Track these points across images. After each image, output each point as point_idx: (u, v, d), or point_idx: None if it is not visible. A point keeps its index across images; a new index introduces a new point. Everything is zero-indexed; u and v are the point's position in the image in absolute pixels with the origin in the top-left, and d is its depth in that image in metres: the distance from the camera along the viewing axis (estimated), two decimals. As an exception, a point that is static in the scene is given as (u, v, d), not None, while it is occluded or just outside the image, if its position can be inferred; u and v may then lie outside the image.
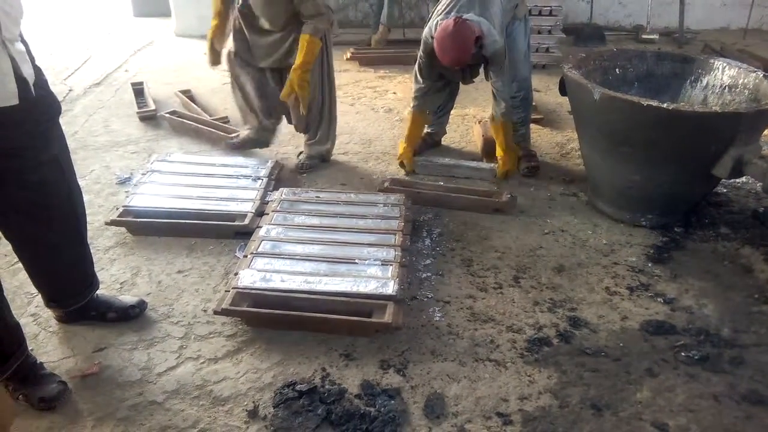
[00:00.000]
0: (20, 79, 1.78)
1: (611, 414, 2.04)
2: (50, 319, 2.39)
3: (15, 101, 1.77)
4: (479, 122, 4.25)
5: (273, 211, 2.96)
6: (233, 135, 3.90)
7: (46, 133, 2.00)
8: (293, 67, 3.26)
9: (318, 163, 3.73)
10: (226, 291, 2.41)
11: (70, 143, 2.17)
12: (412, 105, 3.62)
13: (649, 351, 2.32)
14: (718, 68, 3.24)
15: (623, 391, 2.14)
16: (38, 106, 1.93)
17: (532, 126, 4.33)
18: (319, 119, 3.62)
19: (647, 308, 2.55)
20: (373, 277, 2.49)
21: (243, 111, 3.76)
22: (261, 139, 3.82)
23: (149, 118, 4.34)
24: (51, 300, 2.31)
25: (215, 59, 3.57)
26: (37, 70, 1.91)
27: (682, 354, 2.30)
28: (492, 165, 3.64)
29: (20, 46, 1.82)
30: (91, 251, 2.75)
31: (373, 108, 4.72)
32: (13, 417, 1.69)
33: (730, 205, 3.34)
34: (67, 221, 2.16)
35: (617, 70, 3.42)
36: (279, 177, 3.47)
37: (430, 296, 2.60)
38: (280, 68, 3.46)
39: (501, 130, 3.50)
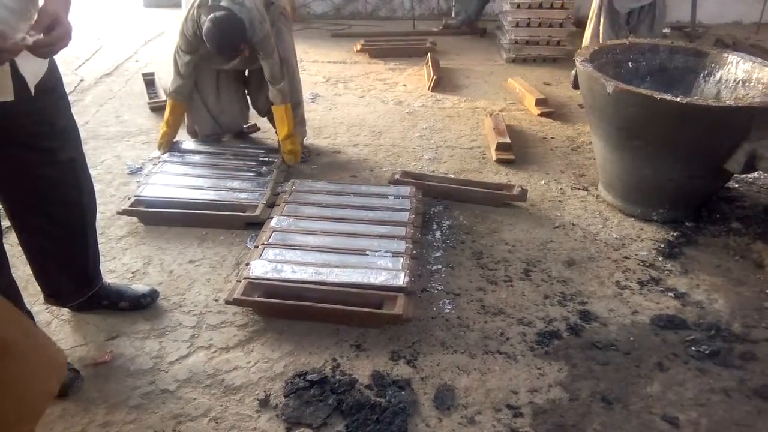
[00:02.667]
0: (18, 77, 1.74)
1: (621, 407, 2.04)
2: (62, 308, 2.41)
3: (10, 97, 1.74)
4: (490, 115, 4.25)
5: (284, 202, 2.97)
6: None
7: (66, 132, 2.01)
8: (283, 137, 3.43)
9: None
10: (237, 281, 2.42)
11: (81, 134, 2.17)
12: None
13: (660, 345, 2.32)
14: (732, 62, 3.22)
15: (633, 384, 2.14)
16: (58, 103, 1.94)
17: (543, 119, 4.34)
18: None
19: (658, 302, 2.55)
20: (384, 268, 2.49)
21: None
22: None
23: (160, 109, 4.32)
24: (49, 295, 2.32)
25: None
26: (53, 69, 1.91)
27: (693, 348, 2.30)
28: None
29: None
30: (104, 240, 2.80)
31: (383, 100, 4.71)
32: (60, 378, 1.52)
33: (741, 201, 3.32)
34: (72, 221, 2.16)
35: (630, 63, 3.40)
36: (289, 169, 3.48)
37: (440, 288, 2.60)
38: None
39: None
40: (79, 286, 2.32)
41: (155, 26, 6.60)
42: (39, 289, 2.32)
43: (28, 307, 2.11)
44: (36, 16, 1.70)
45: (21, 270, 2.42)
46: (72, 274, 2.28)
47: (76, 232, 2.20)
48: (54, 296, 2.32)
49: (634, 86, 2.91)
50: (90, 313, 2.39)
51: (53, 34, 1.62)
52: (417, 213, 2.92)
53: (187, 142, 3.66)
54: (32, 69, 1.80)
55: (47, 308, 2.41)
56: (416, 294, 2.49)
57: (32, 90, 1.80)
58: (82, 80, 4.93)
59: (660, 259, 2.83)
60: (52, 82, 1.93)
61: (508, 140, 3.80)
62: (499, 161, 3.70)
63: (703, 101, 2.99)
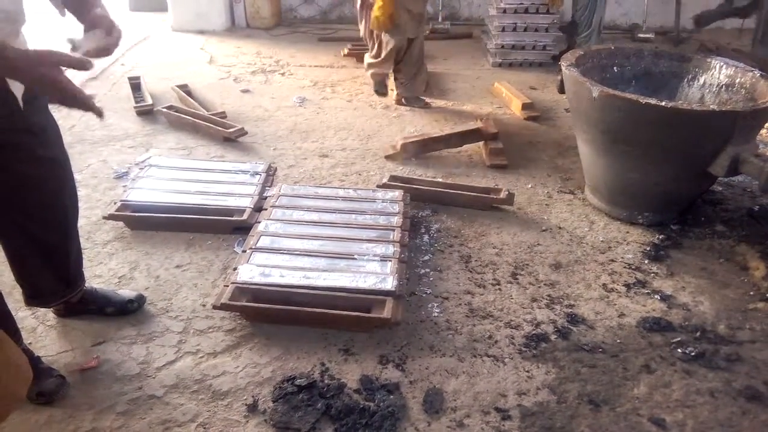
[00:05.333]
0: (5, 91, 1.74)
1: (609, 409, 2.06)
2: (48, 313, 2.39)
3: None
4: (480, 119, 4.26)
5: (271, 207, 2.96)
6: (236, 129, 3.95)
7: (45, 130, 1.99)
8: None
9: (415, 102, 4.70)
10: (225, 286, 2.41)
11: (67, 138, 2.16)
12: None
13: (646, 347, 2.34)
14: (715, 67, 3.26)
15: (620, 386, 2.16)
16: (33, 102, 1.93)
17: (529, 123, 4.38)
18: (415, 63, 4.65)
19: (644, 305, 2.57)
20: (372, 272, 2.49)
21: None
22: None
23: (146, 113, 4.33)
24: (30, 296, 2.27)
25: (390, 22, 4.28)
26: None
27: (679, 350, 2.32)
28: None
29: None
30: (90, 245, 2.78)
31: (371, 104, 4.72)
32: (26, 382, 1.58)
33: (725, 203, 3.36)
34: (54, 220, 2.14)
35: (615, 68, 3.43)
36: (275, 176, 3.47)
37: (428, 292, 2.61)
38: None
39: None
40: (59, 286, 2.28)
41: (141, 30, 6.56)
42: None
43: (14, 313, 2.08)
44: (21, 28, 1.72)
45: (6, 276, 2.39)
46: (53, 274, 2.24)
47: (58, 232, 2.17)
48: (35, 297, 2.28)
49: (619, 91, 2.93)
50: (76, 319, 2.37)
51: (113, 35, 1.77)
52: (405, 217, 2.92)
53: (172, 148, 3.64)
54: (19, 85, 1.79)
55: (33, 314, 2.39)
56: (404, 298, 2.49)
57: (21, 104, 1.80)
58: (67, 84, 4.88)
59: (646, 261, 2.86)
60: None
61: (500, 145, 3.82)
62: (492, 166, 3.71)
63: (687, 106, 3.02)
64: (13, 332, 2.04)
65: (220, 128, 3.99)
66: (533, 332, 2.39)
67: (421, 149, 3.83)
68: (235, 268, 2.50)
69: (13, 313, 2.09)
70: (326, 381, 2.12)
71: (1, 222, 2.07)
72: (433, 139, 3.87)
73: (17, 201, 2.01)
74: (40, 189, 2.03)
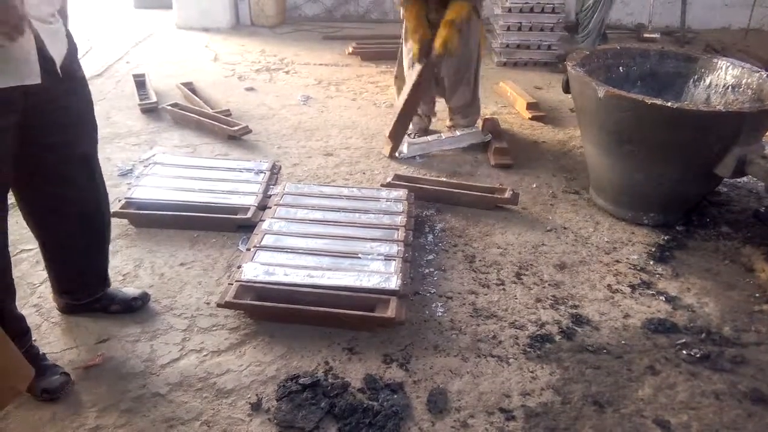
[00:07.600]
0: (45, 58, 1.75)
1: (613, 411, 2.05)
2: (53, 310, 2.39)
3: (37, 80, 1.74)
4: (486, 119, 4.25)
5: (276, 205, 2.96)
6: (240, 127, 3.96)
7: (81, 126, 2.04)
8: (445, 21, 3.51)
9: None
10: (229, 284, 2.41)
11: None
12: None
13: (651, 348, 2.33)
14: (722, 68, 3.25)
15: (625, 388, 2.15)
16: (75, 95, 1.97)
17: (534, 123, 4.37)
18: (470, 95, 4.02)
19: (649, 306, 2.56)
20: (376, 271, 2.49)
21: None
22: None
23: (151, 111, 4.33)
24: (64, 292, 2.31)
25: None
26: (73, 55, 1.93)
27: (684, 352, 2.31)
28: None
29: (53, 27, 1.80)
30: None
31: (375, 103, 4.72)
32: (27, 379, 1.62)
33: (731, 205, 3.35)
34: (90, 218, 2.18)
35: (621, 68, 3.42)
36: (279, 174, 3.46)
37: (432, 291, 2.60)
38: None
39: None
40: (95, 283, 2.34)
41: (146, 28, 6.56)
42: (29, 291, 2.31)
43: (20, 309, 2.09)
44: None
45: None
46: (90, 270, 2.31)
47: (95, 231, 2.23)
48: (68, 292, 2.32)
49: (624, 91, 2.92)
50: (80, 316, 2.37)
51: None
52: (409, 216, 2.92)
53: (177, 145, 3.64)
54: (58, 52, 1.81)
55: (37, 311, 2.39)
56: (408, 297, 2.49)
57: (59, 72, 1.82)
58: (72, 81, 4.88)
59: (651, 262, 2.85)
60: (73, 65, 1.94)
61: (505, 145, 3.82)
62: (497, 166, 3.71)
63: (693, 106, 3.01)
64: (24, 333, 2.05)
65: (224, 126, 3.99)
66: (538, 333, 2.39)
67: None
68: (239, 267, 2.50)
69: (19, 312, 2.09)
70: (330, 380, 2.12)
71: (46, 229, 2.11)
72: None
73: (64, 208, 2.05)
74: (77, 188, 2.08)
